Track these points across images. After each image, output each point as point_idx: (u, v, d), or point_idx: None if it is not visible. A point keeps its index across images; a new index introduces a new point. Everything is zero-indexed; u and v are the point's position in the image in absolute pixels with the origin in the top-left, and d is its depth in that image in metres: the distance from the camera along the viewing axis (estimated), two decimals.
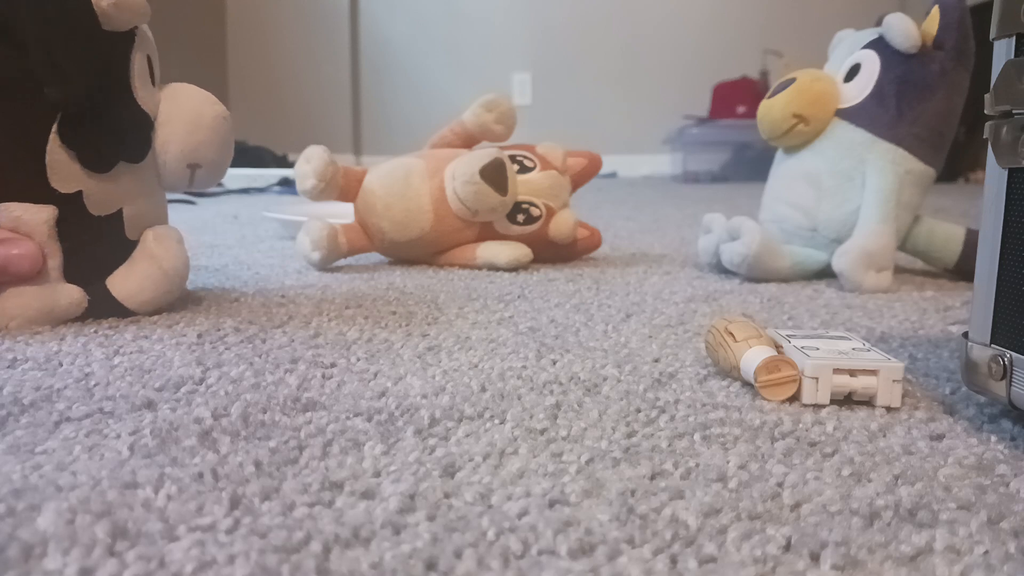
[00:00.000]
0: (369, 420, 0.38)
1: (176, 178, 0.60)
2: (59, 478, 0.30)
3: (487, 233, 0.87)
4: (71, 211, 0.55)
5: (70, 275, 0.56)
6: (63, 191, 0.54)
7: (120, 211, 0.58)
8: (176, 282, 0.60)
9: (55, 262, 0.55)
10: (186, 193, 2.10)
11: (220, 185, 2.50)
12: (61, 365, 0.46)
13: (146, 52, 0.59)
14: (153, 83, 0.60)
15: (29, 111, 0.53)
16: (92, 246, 0.57)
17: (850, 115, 0.80)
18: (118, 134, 0.56)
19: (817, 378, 0.40)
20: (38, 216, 0.54)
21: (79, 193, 0.55)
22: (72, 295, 0.56)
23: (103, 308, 0.58)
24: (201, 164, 0.60)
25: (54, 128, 0.53)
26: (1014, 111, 0.36)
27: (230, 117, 0.62)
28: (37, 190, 0.54)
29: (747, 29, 4.01)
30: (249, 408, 0.39)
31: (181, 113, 0.59)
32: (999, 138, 0.37)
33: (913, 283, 0.80)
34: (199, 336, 0.54)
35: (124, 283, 0.58)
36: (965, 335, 0.39)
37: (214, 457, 0.33)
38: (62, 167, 0.54)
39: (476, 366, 0.47)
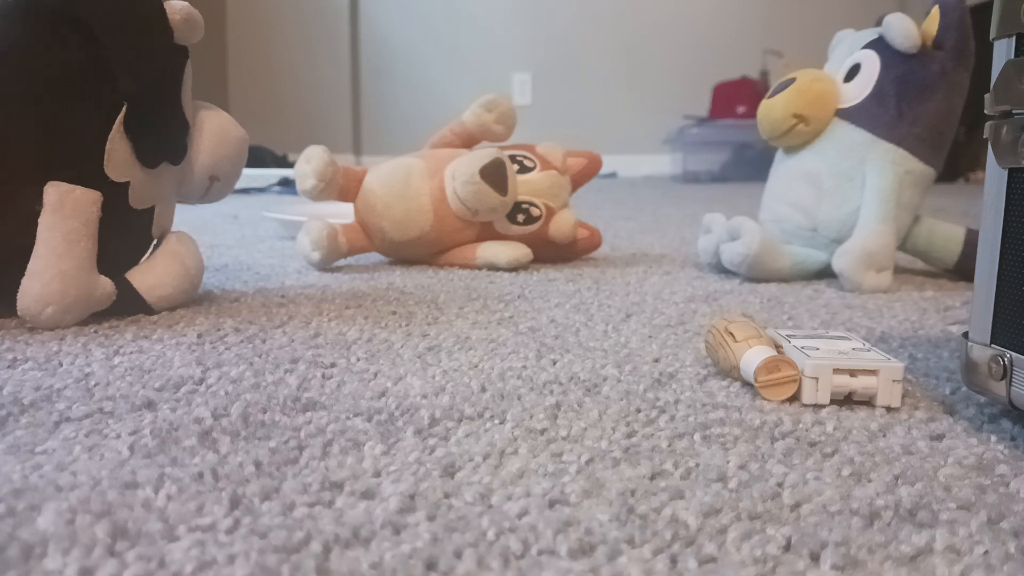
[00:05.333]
0: (369, 420, 0.38)
1: (196, 187, 0.65)
2: (59, 478, 0.30)
3: (487, 233, 0.87)
4: (115, 200, 0.57)
5: (100, 264, 0.57)
6: (114, 179, 0.57)
7: (153, 208, 0.61)
8: (195, 281, 0.64)
9: (93, 251, 0.56)
10: None
11: None
12: (61, 365, 0.46)
13: (190, 68, 0.63)
14: None
15: (98, 99, 0.55)
16: (125, 237, 0.60)
17: (850, 115, 0.80)
18: (169, 135, 0.60)
19: (817, 378, 0.40)
20: (87, 197, 0.55)
21: (127, 184, 0.58)
22: (106, 287, 0.57)
23: (119, 305, 0.59)
24: (220, 177, 0.65)
25: (119, 118, 0.56)
26: (1014, 111, 0.36)
27: (248, 140, 0.68)
28: (91, 174, 0.56)
29: (747, 29, 4.01)
30: (249, 408, 0.39)
31: (211, 128, 0.64)
32: (999, 138, 0.37)
33: (913, 283, 0.80)
34: (199, 336, 0.54)
35: (145, 276, 0.60)
36: (965, 335, 0.39)
37: (214, 457, 0.33)
38: (118, 156, 0.57)
39: (476, 366, 0.47)
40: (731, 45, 4.02)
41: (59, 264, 0.53)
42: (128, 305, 0.59)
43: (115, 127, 0.56)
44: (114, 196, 0.57)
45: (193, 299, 0.67)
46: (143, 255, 0.64)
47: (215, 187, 0.65)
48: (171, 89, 0.60)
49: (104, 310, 0.58)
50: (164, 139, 0.60)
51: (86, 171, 0.55)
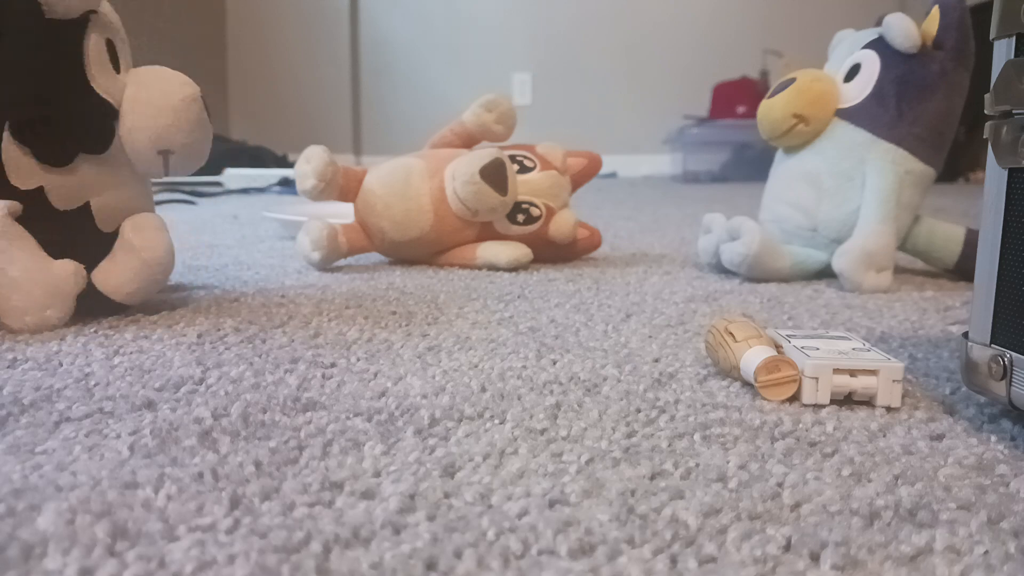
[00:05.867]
0: (369, 420, 0.38)
1: (148, 165, 0.58)
2: (59, 478, 0.30)
3: (487, 233, 0.87)
4: (35, 206, 0.54)
5: None
6: (23, 188, 0.54)
7: (87, 204, 0.57)
8: (159, 270, 0.58)
9: (30, 243, 0.53)
10: (186, 193, 2.09)
11: (220, 185, 2.50)
12: (61, 365, 0.46)
13: (104, 36, 0.56)
14: (118, 68, 0.58)
15: None
16: (63, 241, 0.56)
17: (850, 115, 0.80)
18: (74, 127, 0.55)
19: (817, 378, 0.40)
20: None
21: (40, 189, 0.54)
22: (67, 267, 0.54)
23: (94, 304, 0.58)
24: (173, 149, 0.57)
25: (6, 126, 0.52)
26: (1014, 111, 0.36)
27: (200, 98, 0.59)
28: None
29: (747, 29, 4.01)
30: (249, 408, 0.39)
31: (146, 97, 0.56)
32: (999, 138, 0.37)
33: (913, 283, 0.80)
34: (199, 336, 0.54)
35: (107, 277, 0.57)
36: (965, 335, 0.39)
37: (214, 457, 0.33)
38: (19, 163, 0.53)
39: (476, 366, 0.47)
40: (731, 45, 4.02)
41: (5, 277, 0.52)
42: (102, 307, 0.58)
43: (3, 136, 0.52)
44: (31, 202, 0.54)
45: (179, 297, 0.67)
46: (102, 253, 0.58)
47: (174, 160, 0.58)
48: (64, 75, 0.53)
49: (105, 310, 0.58)
50: (67, 134, 0.54)
51: None
